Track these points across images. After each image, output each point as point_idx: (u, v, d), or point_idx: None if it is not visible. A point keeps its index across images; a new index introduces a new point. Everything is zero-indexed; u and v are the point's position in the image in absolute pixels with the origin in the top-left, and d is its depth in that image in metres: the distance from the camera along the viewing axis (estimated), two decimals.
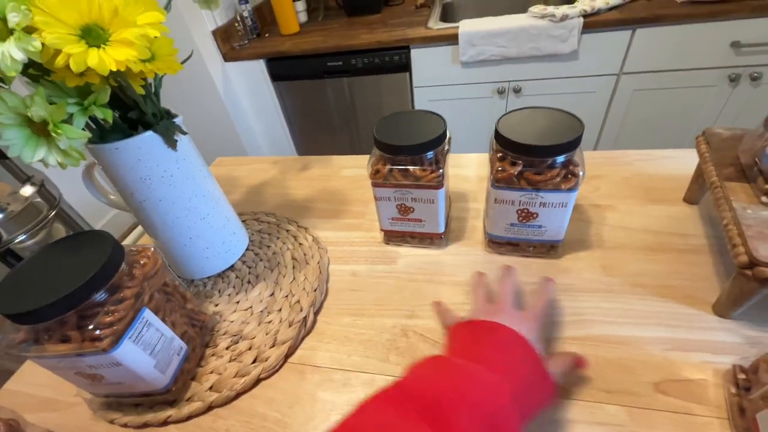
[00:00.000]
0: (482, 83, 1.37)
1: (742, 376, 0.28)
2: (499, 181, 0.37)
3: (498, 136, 0.37)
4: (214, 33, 1.45)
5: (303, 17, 1.66)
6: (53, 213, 0.64)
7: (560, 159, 0.35)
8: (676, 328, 0.35)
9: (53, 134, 0.26)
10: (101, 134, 0.35)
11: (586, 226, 0.46)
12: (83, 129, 0.29)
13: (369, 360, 0.36)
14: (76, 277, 0.27)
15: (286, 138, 1.73)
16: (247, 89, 1.60)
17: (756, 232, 0.30)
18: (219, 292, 0.45)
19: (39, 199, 0.63)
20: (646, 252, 0.42)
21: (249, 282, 0.46)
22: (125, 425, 0.35)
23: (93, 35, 0.26)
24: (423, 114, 0.42)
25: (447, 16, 1.50)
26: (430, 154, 0.40)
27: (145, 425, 0.34)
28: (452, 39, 1.27)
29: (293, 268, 0.46)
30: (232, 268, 0.48)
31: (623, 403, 0.30)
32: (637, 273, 0.40)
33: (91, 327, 0.27)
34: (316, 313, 0.41)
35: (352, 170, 0.65)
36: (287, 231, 0.52)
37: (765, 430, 0.24)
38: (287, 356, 0.38)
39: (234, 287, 0.45)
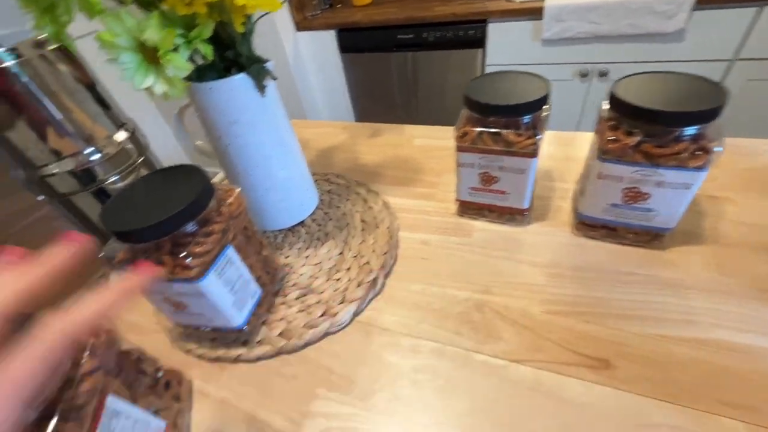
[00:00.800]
0: (563, 64, 1.26)
1: None
2: (608, 153, 0.33)
3: (614, 101, 0.32)
4: (290, 1, 1.46)
5: None
6: (141, 159, 0.69)
7: (691, 130, 0.30)
8: None
9: (162, 61, 0.26)
10: (198, 73, 0.35)
11: (700, 217, 0.40)
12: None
13: (439, 330, 0.35)
14: (173, 205, 0.27)
15: (347, 110, 1.73)
16: (316, 59, 1.61)
17: None
18: (289, 245, 0.46)
19: (130, 145, 0.68)
20: None
21: (318, 239, 0.46)
22: (200, 356, 0.36)
23: None
24: (522, 75, 0.38)
25: None
26: (527, 118, 0.36)
27: (218, 359, 0.35)
28: (536, 13, 1.17)
29: (362, 230, 0.46)
30: (302, 223, 0.48)
31: (744, 418, 0.26)
32: (764, 276, 0.34)
33: (183, 255, 0.28)
34: (385, 277, 0.40)
35: (424, 140, 0.62)
36: (357, 194, 0.51)
37: None
38: (355, 314, 0.37)
39: (304, 242, 0.46)
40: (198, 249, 0.28)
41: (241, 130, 0.38)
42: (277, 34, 1.47)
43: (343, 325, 0.36)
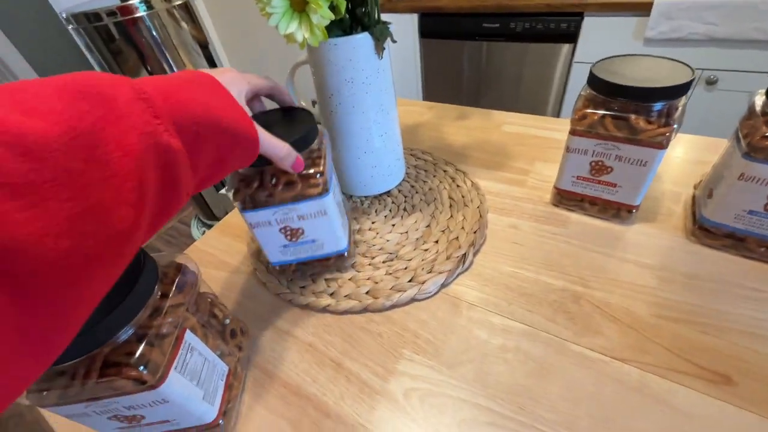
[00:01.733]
0: None
1: None
2: (759, 151, 0.29)
3: None
4: None
5: None
6: None
7: None
8: None
9: (313, 5, 0.27)
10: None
11: None
12: None
13: (532, 314, 0.33)
14: (291, 134, 0.29)
15: (417, 94, 1.72)
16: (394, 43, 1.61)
17: None
18: (375, 212, 0.46)
19: None
20: None
21: (405, 210, 0.46)
22: (289, 301, 0.38)
23: None
24: (658, 59, 0.35)
25: None
26: (659, 105, 0.33)
27: (306, 306, 0.37)
28: (643, 9, 1.08)
29: (450, 206, 0.45)
30: (388, 193, 0.49)
31: None
32: None
33: (312, 171, 0.30)
34: (474, 254, 0.39)
35: (515, 127, 0.60)
36: (444, 171, 0.51)
37: None
38: (442, 286, 0.37)
39: (390, 211, 0.46)
40: (320, 169, 0.30)
41: (354, 90, 0.39)
42: None
43: (430, 294, 0.36)
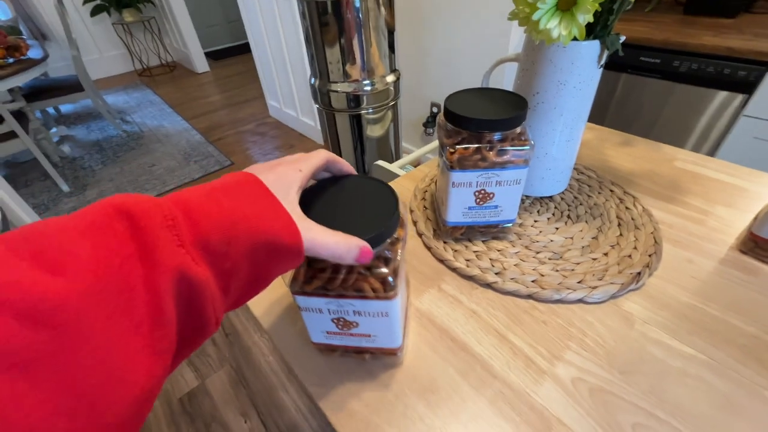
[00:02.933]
0: None
1: None
2: None
3: None
4: None
5: None
6: (392, 103, 0.80)
7: None
8: None
9: (588, 5, 0.30)
10: None
11: None
12: None
13: (716, 351, 0.32)
14: (505, 112, 0.34)
15: None
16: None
17: None
18: (538, 212, 0.47)
19: (391, 88, 0.79)
20: None
21: (569, 217, 0.46)
22: (454, 269, 0.41)
23: None
24: None
25: None
26: None
27: (471, 278, 0.40)
28: None
29: (619, 225, 0.44)
30: (550, 198, 0.50)
31: None
32: None
33: (523, 138, 0.34)
34: (649, 276, 0.38)
35: (689, 165, 0.56)
36: (611, 191, 0.50)
37: None
38: (613, 297, 0.37)
39: (553, 214, 0.47)
40: (531, 141, 0.34)
41: (562, 92, 0.40)
42: (507, 24, 1.49)
43: (599, 300, 0.36)
